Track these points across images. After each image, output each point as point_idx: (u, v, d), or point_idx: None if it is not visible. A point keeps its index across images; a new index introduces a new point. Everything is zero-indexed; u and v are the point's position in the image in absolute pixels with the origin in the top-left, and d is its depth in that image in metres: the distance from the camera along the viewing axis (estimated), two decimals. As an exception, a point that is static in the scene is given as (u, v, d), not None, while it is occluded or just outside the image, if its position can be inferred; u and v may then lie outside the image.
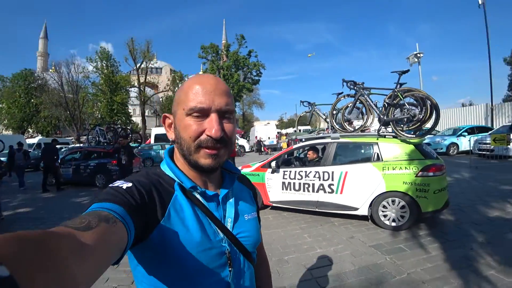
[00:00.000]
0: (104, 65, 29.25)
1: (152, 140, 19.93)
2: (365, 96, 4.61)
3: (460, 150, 13.07)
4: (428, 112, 3.82)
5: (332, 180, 4.26)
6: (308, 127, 20.31)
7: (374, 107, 4.52)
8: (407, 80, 4.18)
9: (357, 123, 5.14)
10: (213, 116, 0.61)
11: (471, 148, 11.54)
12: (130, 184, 0.58)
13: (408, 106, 3.98)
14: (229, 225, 0.69)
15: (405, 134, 4.02)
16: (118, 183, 0.59)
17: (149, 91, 36.63)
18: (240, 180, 0.82)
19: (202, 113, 0.61)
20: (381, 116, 4.30)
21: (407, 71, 4.16)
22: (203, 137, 0.61)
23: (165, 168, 0.70)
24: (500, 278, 2.60)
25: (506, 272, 2.70)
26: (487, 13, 16.57)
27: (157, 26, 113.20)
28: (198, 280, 0.61)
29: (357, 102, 4.82)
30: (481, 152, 11.44)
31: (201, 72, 29.93)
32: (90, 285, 0.35)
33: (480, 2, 16.64)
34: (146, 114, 33.90)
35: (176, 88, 33.09)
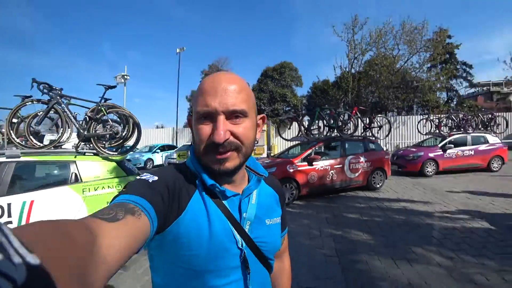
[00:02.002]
0: None
1: None
2: (63, 105, 3.81)
3: (155, 164, 15.42)
4: (131, 130, 3.94)
5: (10, 216, 2.94)
6: None
7: (73, 119, 3.85)
8: (113, 97, 4.09)
9: (49, 137, 4.14)
10: (219, 119, 0.58)
11: (163, 162, 14.34)
12: (156, 178, 0.58)
13: (111, 123, 3.85)
14: (247, 227, 0.65)
15: (107, 151, 3.81)
16: (145, 176, 0.59)
17: None
18: (268, 182, 0.77)
19: (210, 117, 0.59)
20: (81, 131, 3.75)
21: (114, 86, 4.04)
22: (209, 141, 0.59)
23: (189, 164, 0.68)
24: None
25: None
26: (181, 60, 22.55)
27: None
28: (209, 280, 0.59)
29: (51, 111, 3.85)
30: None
31: None
32: (111, 274, 0.36)
33: (177, 51, 21.93)
34: None
35: None
